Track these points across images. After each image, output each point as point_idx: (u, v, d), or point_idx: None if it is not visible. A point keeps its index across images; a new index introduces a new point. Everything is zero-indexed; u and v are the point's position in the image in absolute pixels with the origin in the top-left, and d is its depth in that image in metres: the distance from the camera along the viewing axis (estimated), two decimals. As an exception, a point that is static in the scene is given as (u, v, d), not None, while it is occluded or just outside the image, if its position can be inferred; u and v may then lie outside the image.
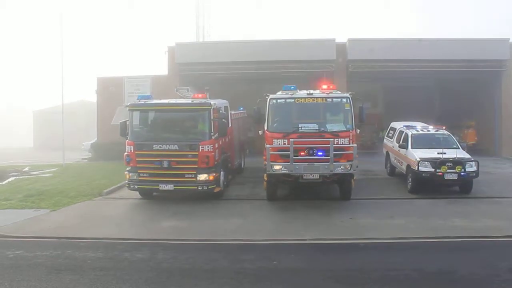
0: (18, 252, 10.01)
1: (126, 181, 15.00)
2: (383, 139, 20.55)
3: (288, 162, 13.55)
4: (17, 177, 20.70)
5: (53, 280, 8.31)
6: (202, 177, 14.25)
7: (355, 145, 13.81)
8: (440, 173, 14.71)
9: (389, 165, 19.01)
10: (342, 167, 13.59)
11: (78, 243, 10.65)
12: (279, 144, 13.75)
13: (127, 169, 14.82)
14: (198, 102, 15.07)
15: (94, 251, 9.97)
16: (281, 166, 13.67)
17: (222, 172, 15.24)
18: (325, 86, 14.55)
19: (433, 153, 15.22)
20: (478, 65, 24.80)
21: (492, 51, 24.89)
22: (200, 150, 14.26)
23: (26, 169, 23.80)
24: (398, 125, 18.88)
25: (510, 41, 25.25)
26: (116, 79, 27.48)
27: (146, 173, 14.52)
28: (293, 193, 15.50)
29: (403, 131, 17.52)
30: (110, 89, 26.78)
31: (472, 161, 15.10)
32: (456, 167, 14.69)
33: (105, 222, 12.75)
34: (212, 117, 14.60)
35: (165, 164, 14.23)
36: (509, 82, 25.66)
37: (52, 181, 19.27)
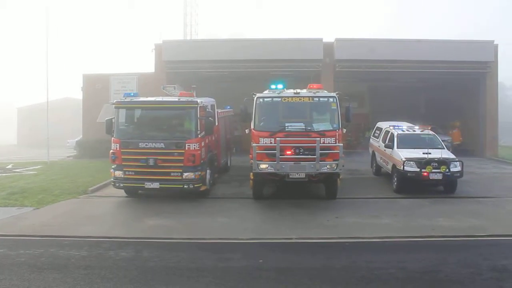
0: (1, 250, 9.87)
1: (112, 179, 14.91)
2: (369, 139, 20.69)
3: (275, 161, 13.56)
4: (0, 175, 20.44)
5: (36, 279, 8.19)
6: (188, 175, 14.20)
7: (341, 144, 13.86)
8: (425, 173, 14.85)
9: (375, 164, 19.14)
10: (328, 166, 13.64)
11: (62, 241, 10.52)
12: (265, 143, 13.76)
13: (113, 167, 14.72)
14: (184, 100, 15.00)
15: (78, 250, 9.86)
16: (267, 165, 13.68)
17: (208, 171, 15.22)
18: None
19: (418, 153, 15.35)
20: (463, 66, 25.13)
21: (477, 53, 25.21)
22: (186, 148, 14.20)
23: (10, 166, 23.56)
24: (384, 125, 19.02)
25: (495, 43, 25.60)
26: (102, 76, 27.31)
27: (132, 171, 14.44)
28: (279, 192, 15.52)
29: (389, 131, 17.64)
30: (96, 87, 26.58)
31: (456, 161, 15.28)
32: (441, 167, 14.84)
33: (90, 220, 12.63)
34: (198, 115, 14.56)
35: (151, 162, 14.16)
36: (493, 84, 26.04)
37: (36, 178, 19.06)
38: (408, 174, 15.08)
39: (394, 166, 16.00)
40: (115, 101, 15.69)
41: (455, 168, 15.05)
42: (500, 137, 29.34)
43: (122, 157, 14.47)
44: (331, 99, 14.16)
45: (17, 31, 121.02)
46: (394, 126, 17.94)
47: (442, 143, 16.93)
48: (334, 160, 13.69)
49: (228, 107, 20.96)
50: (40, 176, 19.64)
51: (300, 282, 8.18)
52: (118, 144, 14.55)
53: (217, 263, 9.13)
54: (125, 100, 15.10)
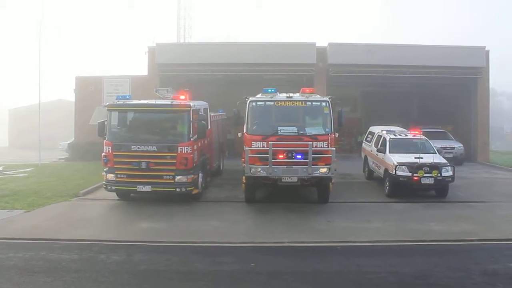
0: (-10, 253, 9.78)
1: (103, 182, 14.83)
2: (362, 143, 20.75)
3: (267, 164, 13.56)
4: (-9, 177, 20.27)
5: (26, 282, 8.13)
6: (181, 178, 14.17)
7: (334, 148, 13.89)
8: (417, 178, 14.91)
9: (367, 169, 19.19)
10: (320, 171, 13.67)
11: (53, 244, 10.45)
12: (258, 147, 13.76)
13: (105, 169, 14.65)
14: (177, 103, 14.98)
15: (69, 253, 9.80)
16: (259, 169, 13.68)
17: (200, 174, 15.18)
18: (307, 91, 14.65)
19: (410, 158, 15.40)
20: (454, 72, 25.30)
21: (469, 59, 25.37)
22: (179, 152, 14.18)
23: (0, 168, 23.34)
24: (376, 129, 19.09)
25: (486, 49, 25.78)
26: (95, 78, 27.19)
27: (124, 174, 14.37)
28: (271, 195, 15.53)
29: (381, 136, 17.72)
30: (88, 89, 26.46)
31: (448, 166, 15.36)
32: (433, 171, 14.92)
33: (81, 223, 12.55)
34: (191, 119, 14.55)
35: (143, 165, 14.11)
36: (484, 89, 26.23)
37: (27, 181, 18.93)
38: (400, 179, 15.13)
39: (386, 170, 16.05)
40: (107, 103, 15.63)
41: (447, 172, 15.13)
42: (491, 142, 29.55)
43: (114, 160, 14.41)
44: (323, 103, 14.21)
45: (10, 31, 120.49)
46: (386, 130, 18.02)
47: (455, 149, 17.20)
48: (326, 164, 13.72)
49: (221, 110, 20.95)
50: (31, 179, 19.50)
51: (291, 286, 8.19)
52: (110, 147, 14.49)
53: (208, 266, 9.11)
54: (118, 102, 15.06)
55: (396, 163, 15.29)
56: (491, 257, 9.89)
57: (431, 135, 22.85)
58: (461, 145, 24.53)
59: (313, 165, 13.54)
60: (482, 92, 26.21)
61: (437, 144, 22.10)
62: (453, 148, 23.80)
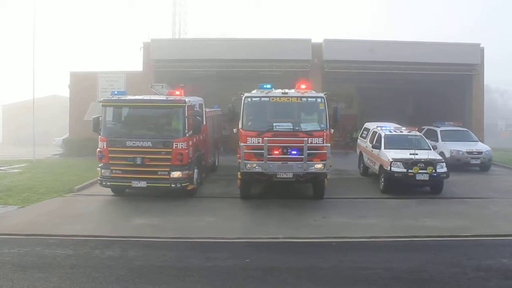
0: (-16, 249, 9.73)
1: (98, 178, 14.81)
2: (357, 139, 20.78)
3: (262, 160, 13.57)
4: (-15, 173, 20.16)
5: (20, 278, 8.09)
6: (176, 174, 14.16)
7: (329, 144, 13.92)
8: (411, 174, 14.95)
9: (362, 165, 19.22)
10: (315, 167, 13.68)
11: (48, 240, 10.42)
12: (253, 143, 13.76)
13: (100, 165, 14.62)
14: (172, 99, 14.93)
15: (64, 249, 9.77)
16: (255, 165, 13.69)
17: (195, 170, 15.17)
18: (303, 86, 14.62)
19: (405, 154, 15.46)
20: (449, 69, 25.34)
21: (464, 56, 25.42)
22: (174, 147, 14.16)
23: (-6, 164, 23.22)
24: (371, 125, 19.12)
25: (481, 46, 25.84)
26: (90, 74, 27.10)
27: (119, 169, 14.35)
28: (266, 191, 15.53)
29: (376, 132, 17.74)
30: (83, 84, 26.37)
31: (443, 162, 15.43)
32: (428, 168, 14.96)
33: (76, 219, 12.51)
34: (186, 114, 14.52)
35: (138, 161, 14.08)
36: (479, 87, 26.28)
37: (21, 177, 18.84)
38: (395, 175, 15.17)
39: (381, 166, 16.09)
40: (102, 99, 15.60)
41: (442, 169, 15.18)
42: (486, 139, 29.61)
43: (109, 155, 14.38)
44: (319, 100, 14.21)
45: (3, 26, 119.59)
46: (381, 127, 18.04)
47: (483, 154, 18.96)
48: (321, 160, 13.74)
49: (216, 106, 20.92)
50: (25, 174, 19.42)
51: (286, 281, 8.19)
52: (105, 143, 14.46)
53: (203, 262, 9.11)
54: (113, 98, 15.01)
55: (391, 159, 15.34)
56: (486, 252, 9.94)
57: (450, 135, 21.58)
58: (489, 148, 21.18)
59: (308, 161, 13.56)
60: (477, 89, 26.27)
61: (460, 147, 20.37)
62: (481, 152, 20.52)
